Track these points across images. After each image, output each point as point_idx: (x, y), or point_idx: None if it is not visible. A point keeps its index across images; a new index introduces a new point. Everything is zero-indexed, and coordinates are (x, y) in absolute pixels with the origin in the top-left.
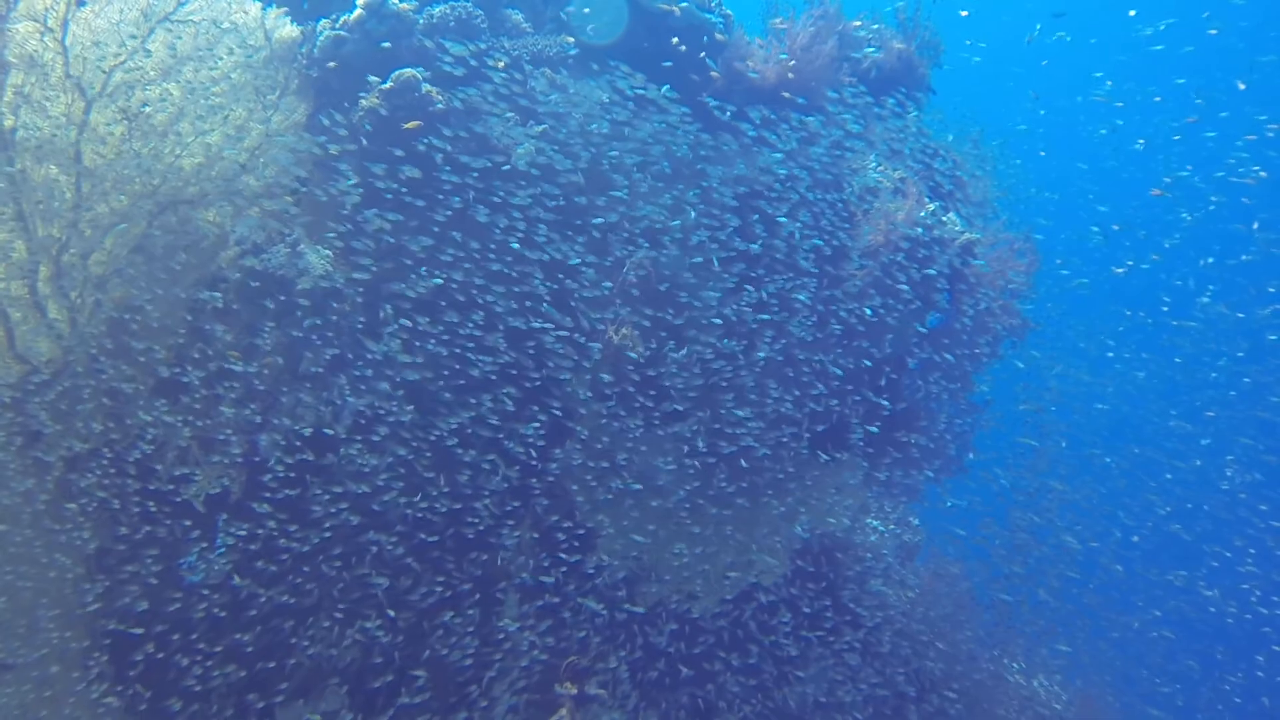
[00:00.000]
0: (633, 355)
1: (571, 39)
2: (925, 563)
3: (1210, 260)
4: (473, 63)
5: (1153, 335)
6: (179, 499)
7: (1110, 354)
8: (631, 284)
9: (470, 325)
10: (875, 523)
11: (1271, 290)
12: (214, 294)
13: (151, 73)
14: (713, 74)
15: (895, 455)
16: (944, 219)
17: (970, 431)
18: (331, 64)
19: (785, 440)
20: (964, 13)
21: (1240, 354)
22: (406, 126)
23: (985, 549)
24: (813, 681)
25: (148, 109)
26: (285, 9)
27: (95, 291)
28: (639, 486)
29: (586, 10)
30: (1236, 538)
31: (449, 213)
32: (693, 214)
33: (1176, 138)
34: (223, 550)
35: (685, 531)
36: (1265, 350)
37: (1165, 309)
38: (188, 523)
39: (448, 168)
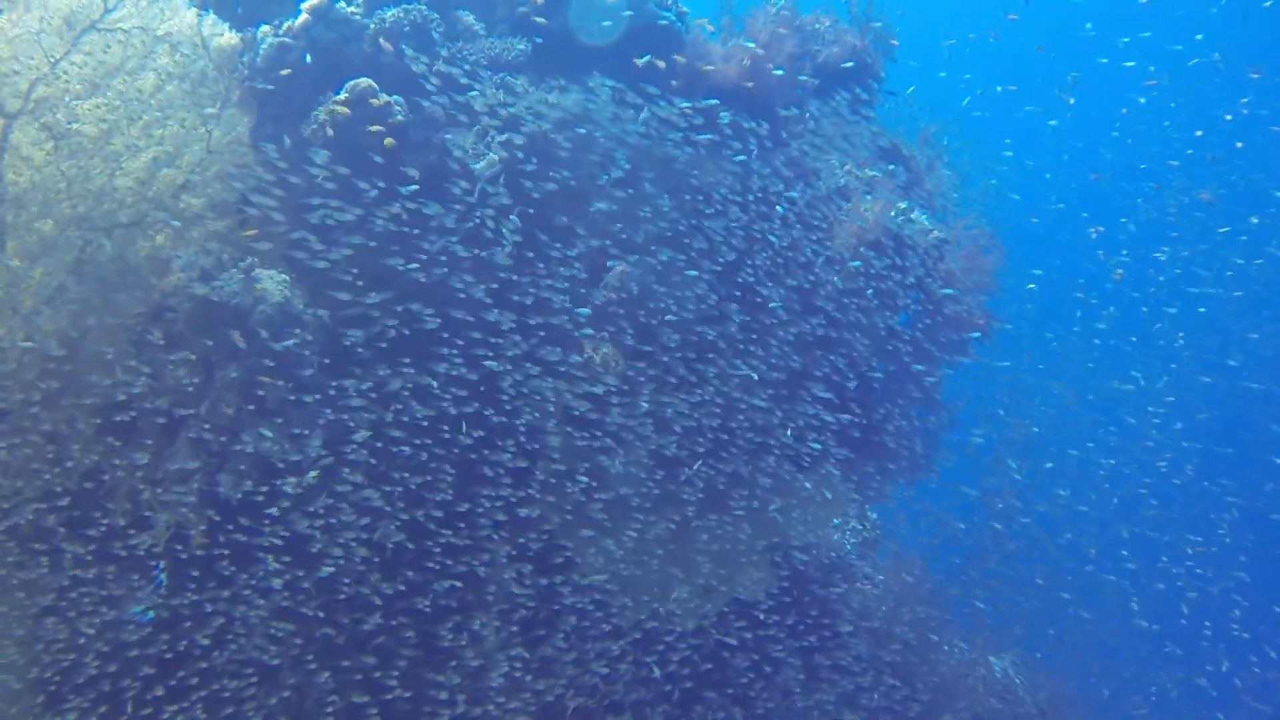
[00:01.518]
0: (612, 374)
1: (525, 43)
2: (886, 558)
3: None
4: (428, 71)
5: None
6: (133, 545)
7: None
8: (611, 299)
9: (442, 350)
10: (835, 520)
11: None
12: (160, 326)
13: (78, 86)
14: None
15: (869, 460)
16: (912, 218)
17: (938, 432)
18: (284, 71)
19: (766, 449)
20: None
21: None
22: (386, 143)
23: (952, 545)
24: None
25: (75, 126)
26: (221, 16)
27: (25, 326)
28: (635, 506)
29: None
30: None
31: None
32: (663, 223)
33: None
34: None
35: (666, 549)
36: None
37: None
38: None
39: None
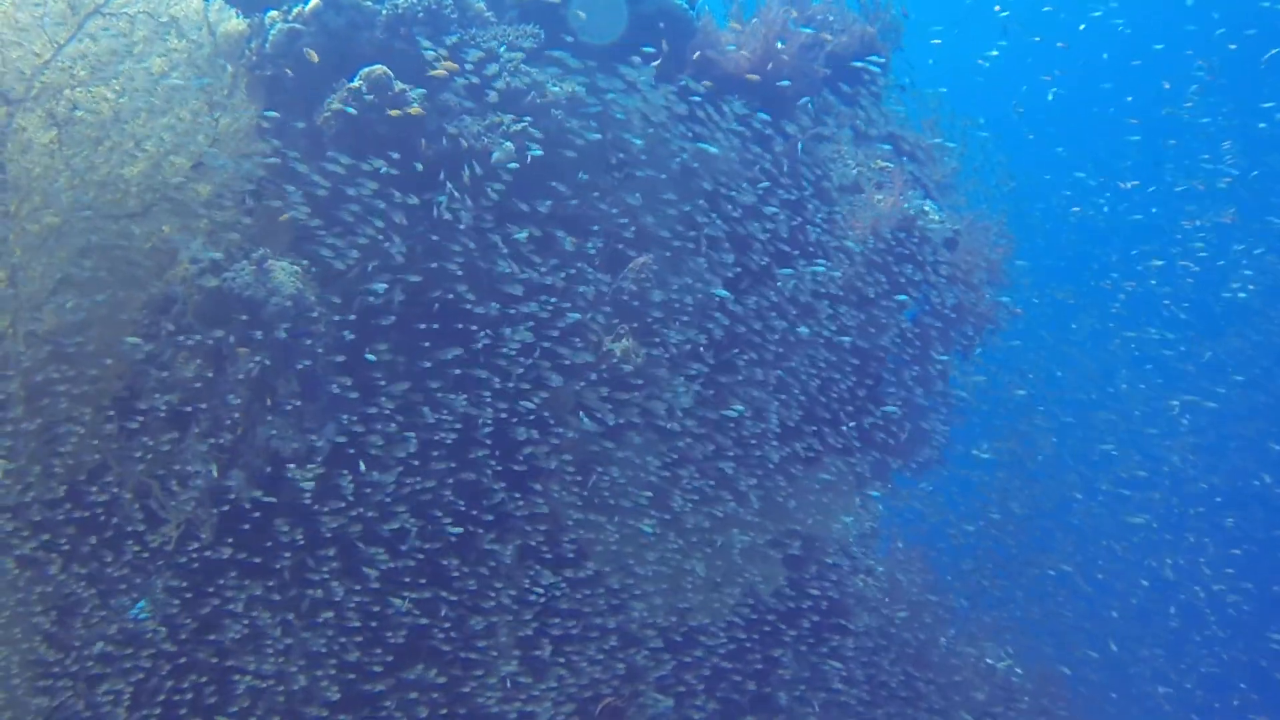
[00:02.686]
0: (631, 367)
1: (539, 29)
2: (891, 551)
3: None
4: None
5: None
6: (145, 543)
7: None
8: (631, 291)
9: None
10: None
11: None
12: (169, 318)
13: (82, 73)
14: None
15: (876, 452)
16: (925, 210)
17: (949, 424)
18: (286, 68)
19: (775, 443)
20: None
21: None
22: (391, 113)
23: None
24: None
25: (79, 113)
26: (227, 1)
27: (30, 319)
28: (645, 505)
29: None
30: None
31: (429, 219)
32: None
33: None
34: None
35: (680, 545)
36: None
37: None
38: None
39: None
